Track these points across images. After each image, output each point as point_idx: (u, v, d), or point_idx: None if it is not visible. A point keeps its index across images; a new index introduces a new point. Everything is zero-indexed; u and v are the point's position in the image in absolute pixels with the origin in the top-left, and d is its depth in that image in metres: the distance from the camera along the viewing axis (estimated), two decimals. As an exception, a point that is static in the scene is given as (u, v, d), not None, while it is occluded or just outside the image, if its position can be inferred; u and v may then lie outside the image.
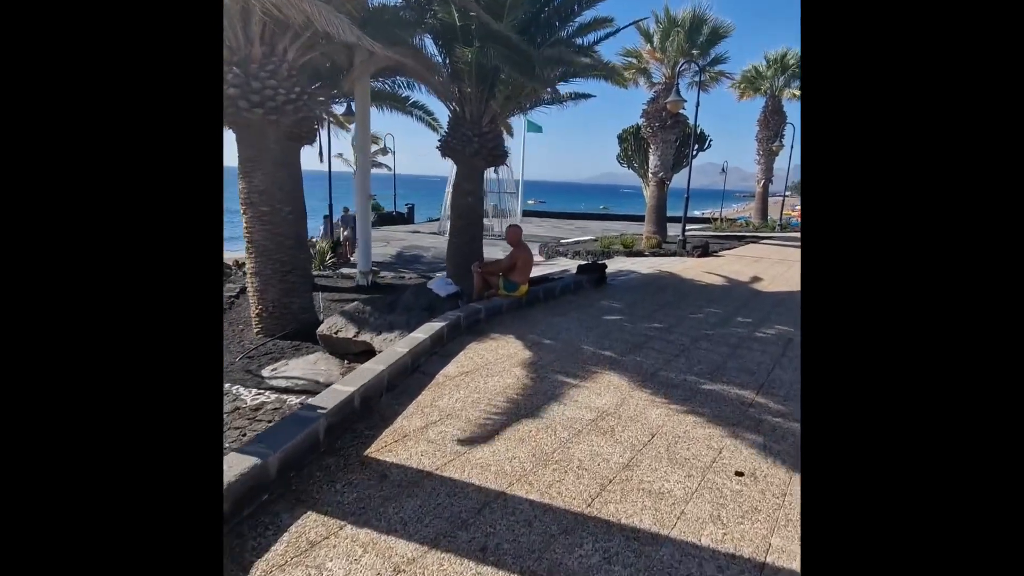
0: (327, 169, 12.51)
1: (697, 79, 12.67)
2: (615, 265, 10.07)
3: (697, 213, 33.76)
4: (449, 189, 19.77)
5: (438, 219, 19.38)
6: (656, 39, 13.73)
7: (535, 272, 10.28)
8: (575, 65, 6.48)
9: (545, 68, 6.08)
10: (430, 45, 6.85)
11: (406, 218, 23.46)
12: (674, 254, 11.47)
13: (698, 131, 15.51)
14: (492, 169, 20.37)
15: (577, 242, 15.17)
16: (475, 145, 6.88)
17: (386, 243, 16.37)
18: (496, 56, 5.71)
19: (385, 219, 22.23)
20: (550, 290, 6.30)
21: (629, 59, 14.00)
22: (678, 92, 11.00)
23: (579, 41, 7.15)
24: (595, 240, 15.72)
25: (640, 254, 11.66)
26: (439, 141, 7.18)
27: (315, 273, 9.49)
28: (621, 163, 16.54)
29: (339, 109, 11.38)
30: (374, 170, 20.08)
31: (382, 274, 9.75)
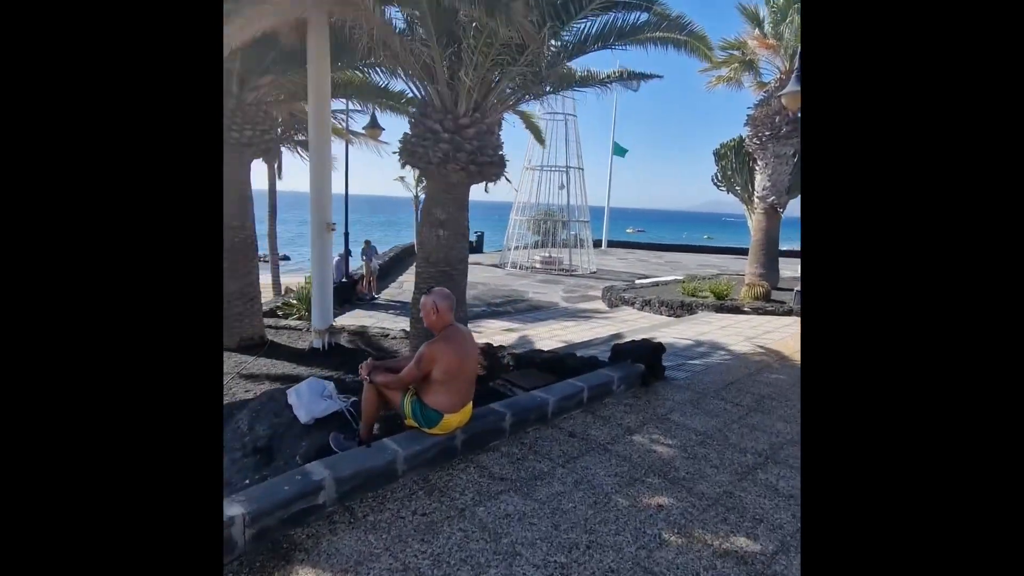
0: (344, 192, 10.48)
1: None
2: (694, 328, 6.71)
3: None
4: (513, 216, 17.31)
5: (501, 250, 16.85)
6: (767, 23, 10.24)
7: (574, 335, 7.13)
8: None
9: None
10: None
11: (474, 247, 21.29)
12: (790, 312, 7.79)
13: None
14: (563, 193, 17.63)
15: (656, 283, 11.80)
16: (445, 146, 4.16)
17: (433, 277, 14.14)
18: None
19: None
20: (537, 407, 3.30)
21: (729, 51, 10.60)
22: (799, 79, 7.53)
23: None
24: (681, 282, 12.21)
25: (737, 310, 8.12)
26: (399, 143, 4.56)
27: (283, 325, 7.20)
28: (718, 185, 12.93)
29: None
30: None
31: (369, 327, 7.27)
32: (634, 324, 7.77)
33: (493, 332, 7.62)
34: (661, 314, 8.74)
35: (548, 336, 7.03)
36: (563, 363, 4.67)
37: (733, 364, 4.97)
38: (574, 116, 15.95)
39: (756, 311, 7.96)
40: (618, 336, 6.48)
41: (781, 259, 12.23)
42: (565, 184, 17.19)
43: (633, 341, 4.55)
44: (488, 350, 5.61)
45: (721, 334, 6.46)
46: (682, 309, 8.48)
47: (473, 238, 21.77)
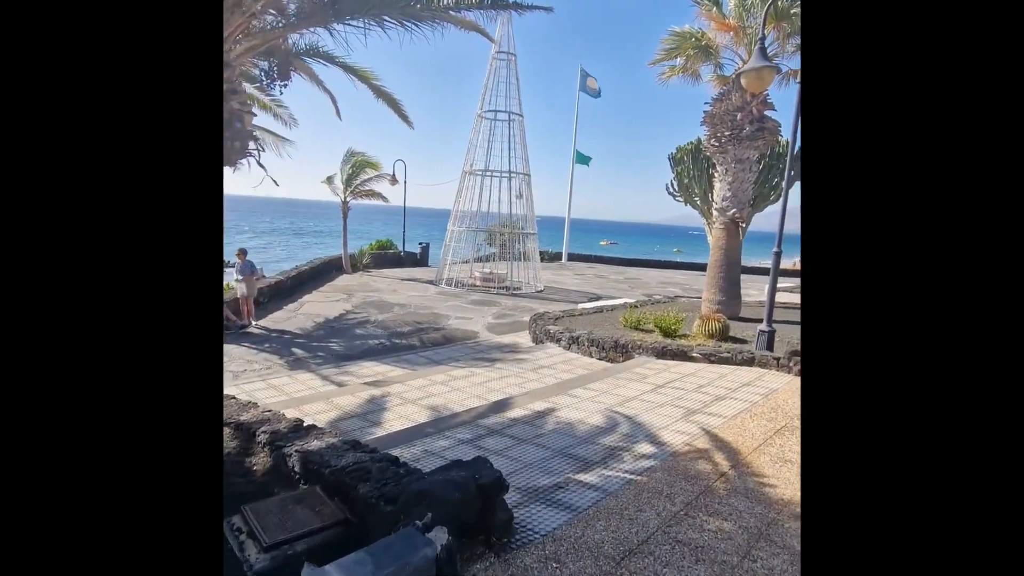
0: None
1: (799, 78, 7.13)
2: (619, 390, 4.61)
3: (777, 263, 26.57)
4: (451, 226, 15.18)
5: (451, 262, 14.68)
6: (731, 2, 8.41)
7: (451, 398, 4.31)
8: None
9: None
10: None
11: (418, 259, 19.10)
12: (752, 361, 5.80)
13: (796, 150, 9.86)
14: (509, 202, 15.55)
15: (600, 309, 9.78)
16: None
17: (347, 296, 11.89)
18: None
19: (387, 261, 17.96)
20: None
21: (678, 39, 8.70)
22: (764, 55, 5.60)
23: None
24: (633, 306, 10.23)
25: (684, 355, 6.09)
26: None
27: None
28: (675, 195, 11.03)
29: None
30: (367, 201, 15.97)
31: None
32: (544, 377, 5.68)
33: (351, 390, 5.45)
34: (591, 355, 6.69)
35: (417, 396, 4.89)
36: (356, 486, 2.56)
37: (650, 487, 2.88)
38: (520, 116, 13.96)
39: (708, 357, 5.95)
40: (504, 404, 4.38)
41: (746, 277, 10.40)
42: (522, 193, 15.14)
43: (453, 466, 2.43)
44: (273, 441, 3.46)
45: (653, 402, 4.40)
46: (616, 351, 6.43)
47: (416, 249, 19.58)
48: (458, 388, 5.24)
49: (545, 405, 4.34)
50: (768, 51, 7.55)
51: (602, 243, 76.77)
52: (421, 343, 8.15)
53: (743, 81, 5.76)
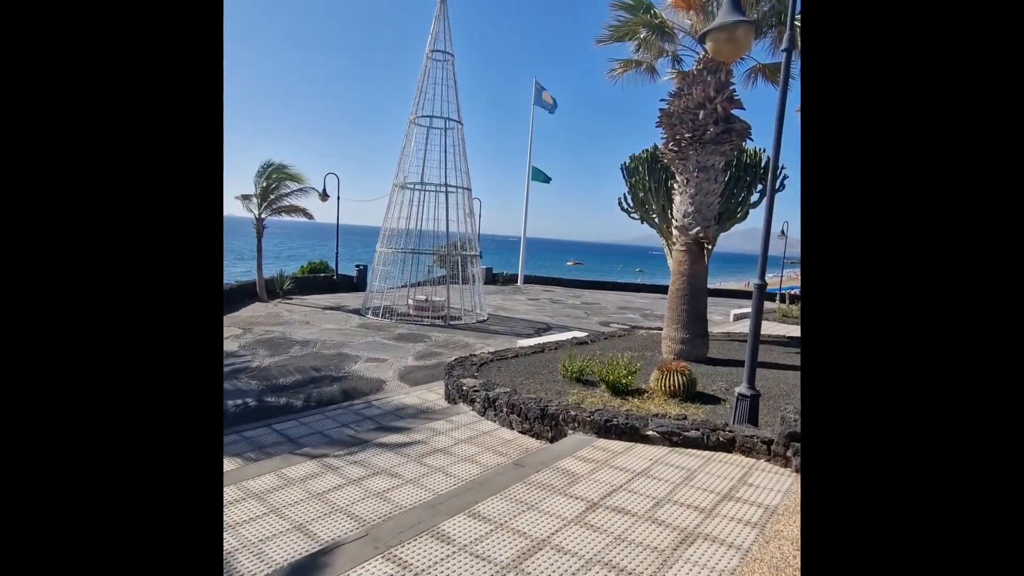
0: None
1: (783, 46, 5.47)
2: (524, 517, 2.54)
3: (742, 284, 25.34)
4: (380, 247, 13.17)
5: (381, 288, 12.56)
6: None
7: (264, 526, 1.93)
8: None
9: None
10: None
11: (355, 283, 16.92)
12: (731, 445, 3.97)
13: (770, 161, 8.39)
14: (467, 217, 13.61)
15: (543, 347, 7.90)
16: None
17: (243, 332, 9.67)
18: None
19: (317, 285, 15.73)
20: None
21: (626, 14, 7.08)
22: (737, 7, 3.94)
23: None
24: (580, 344, 8.42)
25: (636, 432, 4.21)
26: None
27: None
28: (629, 212, 9.34)
29: None
30: (289, 218, 13.83)
31: None
32: (430, 475, 3.71)
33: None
34: (510, 426, 4.77)
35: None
36: None
37: None
38: (459, 123, 12.19)
39: (669, 438, 4.10)
40: (313, 567, 2.39)
41: (713, 300, 8.74)
42: (473, 210, 13.27)
43: None
44: None
45: (575, 556, 2.49)
46: (543, 423, 4.52)
47: (353, 272, 17.43)
48: (278, 508, 3.21)
49: (385, 570, 2.38)
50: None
51: (569, 263, 76.03)
52: (304, 402, 6.07)
53: (709, 46, 4.07)
